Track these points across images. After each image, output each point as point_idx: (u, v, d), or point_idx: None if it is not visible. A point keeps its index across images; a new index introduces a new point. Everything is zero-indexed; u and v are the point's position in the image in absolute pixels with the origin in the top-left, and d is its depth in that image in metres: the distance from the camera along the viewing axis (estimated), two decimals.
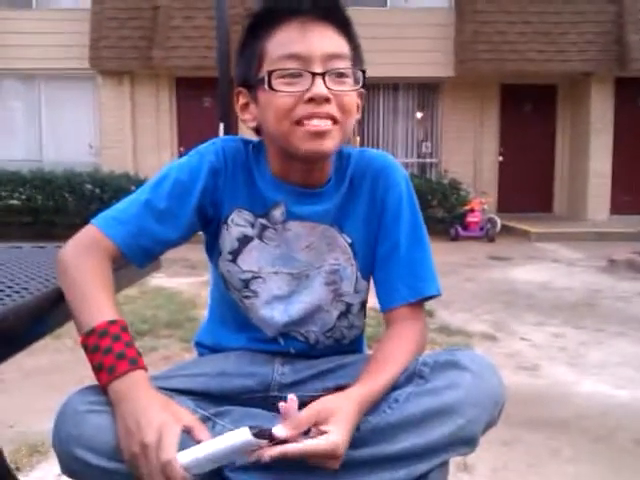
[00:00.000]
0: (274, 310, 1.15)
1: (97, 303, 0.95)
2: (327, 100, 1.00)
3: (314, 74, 1.00)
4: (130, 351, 0.91)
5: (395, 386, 0.99)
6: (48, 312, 1.00)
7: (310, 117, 1.00)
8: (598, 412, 2.75)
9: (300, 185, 1.11)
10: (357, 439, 0.92)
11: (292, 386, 1.10)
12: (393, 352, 1.04)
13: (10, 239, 8.70)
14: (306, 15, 1.01)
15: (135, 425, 0.85)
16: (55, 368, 3.23)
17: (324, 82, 1.00)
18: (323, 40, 1.01)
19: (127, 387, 0.88)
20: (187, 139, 11.18)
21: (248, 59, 1.06)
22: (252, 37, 1.05)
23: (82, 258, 1.01)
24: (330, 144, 1.03)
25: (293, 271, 1.14)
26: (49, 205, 9.45)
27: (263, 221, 1.12)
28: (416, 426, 0.93)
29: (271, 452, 0.84)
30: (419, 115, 12.09)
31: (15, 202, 9.47)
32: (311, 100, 0.99)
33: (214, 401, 1.04)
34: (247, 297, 1.15)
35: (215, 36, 6.11)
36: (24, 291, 1.01)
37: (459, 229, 9.72)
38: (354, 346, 1.24)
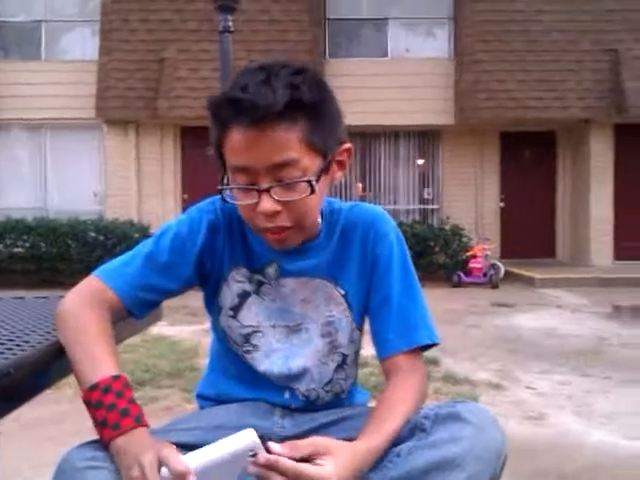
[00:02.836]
0: (274, 364, 1.16)
1: (99, 358, 0.96)
2: (277, 212, 1.01)
3: (259, 191, 0.99)
4: (134, 408, 0.92)
5: (397, 440, 0.98)
6: (50, 365, 1.00)
7: (265, 230, 1.04)
8: (609, 464, 2.69)
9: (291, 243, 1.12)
10: None
11: (292, 440, 1.09)
12: (393, 406, 1.03)
13: (14, 286, 8.71)
14: (253, 117, 0.95)
15: (133, 458, 0.85)
16: (54, 419, 3.19)
17: (271, 196, 0.99)
18: (267, 151, 0.97)
19: (130, 442, 0.89)
20: (191, 187, 11.30)
21: (216, 144, 1.05)
22: (214, 125, 1.03)
23: (83, 310, 1.03)
24: (294, 241, 1.08)
25: (290, 324, 1.16)
26: (53, 252, 9.49)
27: (259, 277, 1.15)
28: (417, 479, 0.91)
29: (264, 458, 0.84)
30: (420, 162, 12.22)
31: (20, 250, 9.51)
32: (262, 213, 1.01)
33: None
34: (248, 351, 1.17)
35: (219, 87, 6.24)
36: (25, 344, 1.00)
37: (462, 275, 9.70)
38: (350, 397, 1.24)
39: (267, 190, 0.99)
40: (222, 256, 1.15)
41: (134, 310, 1.09)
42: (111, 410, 0.90)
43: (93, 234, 9.66)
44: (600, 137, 11.24)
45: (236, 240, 1.13)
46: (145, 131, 11.53)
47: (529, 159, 12.09)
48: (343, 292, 1.15)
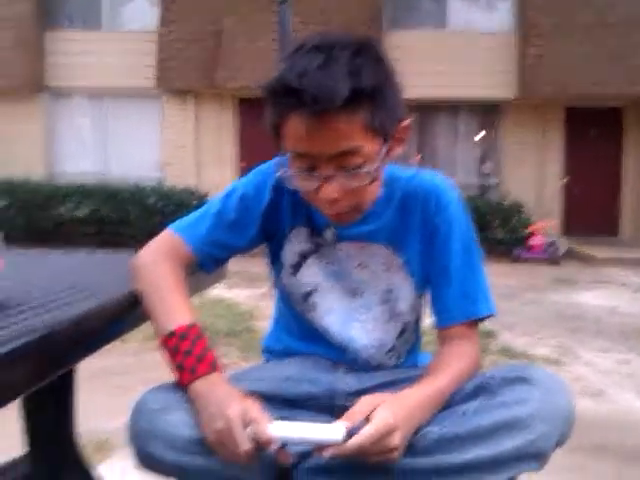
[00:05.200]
0: (333, 325, 1.18)
1: (176, 306, 1.01)
2: (338, 199, 1.00)
3: (320, 177, 0.98)
4: (209, 354, 0.97)
5: (461, 399, 0.98)
6: (122, 315, 1.04)
7: (324, 208, 1.04)
8: None
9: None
10: (421, 448, 0.93)
11: (356, 395, 1.10)
12: (446, 364, 1.05)
13: (76, 248, 8.98)
14: (314, 110, 0.91)
15: (217, 409, 0.90)
16: (121, 370, 3.34)
17: (332, 183, 0.98)
18: (328, 140, 0.94)
19: (207, 386, 0.94)
20: (248, 155, 11.37)
21: (273, 125, 1.01)
22: (272, 110, 1.00)
23: (160, 262, 1.08)
24: (353, 218, 1.07)
25: (348, 288, 1.17)
26: (114, 217, 9.74)
27: (318, 239, 1.17)
28: (484, 438, 0.91)
29: (335, 451, 0.87)
30: (479, 136, 11.94)
31: (81, 213, 9.79)
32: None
33: (280, 405, 1.06)
34: (307, 310, 1.19)
35: (277, 59, 6.23)
36: (99, 294, 1.04)
37: (522, 251, 9.53)
38: (413, 361, 1.24)
39: (329, 177, 0.97)
40: (284, 216, 1.16)
41: (205, 265, 1.14)
42: (188, 355, 0.95)
43: (152, 200, 9.86)
44: None
45: (297, 201, 1.13)
46: (203, 101, 11.62)
47: (594, 135, 11.64)
48: (403, 259, 1.14)
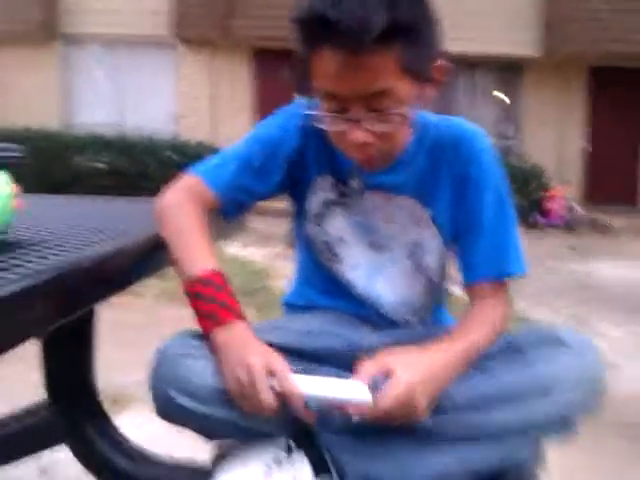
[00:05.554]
0: (358, 278, 1.14)
1: (200, 251, 0.98)
2: (368, 143, 0.95)
3: (351, 120, 0.93)
4: (232, 302, 0.94)
5: (492, 359, 0.96)
6: (144, 257, 1.02)
7: (353, 152, 0.99)
8: None
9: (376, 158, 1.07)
10: (447, 408, 0.91)
11: (378, 351, 1.08)
12: (471, 324, 1.02)
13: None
14: (348, 43, 0.86)
15: (240, 358, 0.88)
16: (134, 325, 3.33)
17: (363, 126, 0.93)
18: (360, 79, 0.89)
19: (231, 335, 0.91)
20: (264, 109, 11.23)
21: (302, 60, 0.96)
22: (301, 41, 0.94)
23: (184, 206, 1.04)
24: (383, 163, 1.03)
25: (374, 241, 1.12)
26: (131, 169, 9.70)
27: (344, 189, 1.11)
28: (511, 400, 0.90)
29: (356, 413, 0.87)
30: (500, 96, 11.67)
31: (98, 165, 9.76)
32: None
33: (300, 359, 1.03)
34: (332, 261, 1.15)
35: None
36: (121, 236, 1.03)
37: (538, 217, 9.41)
38: (437, 320, 1.21)
39: (359, 120, 0.92)
40: (310, 162, 1.11)
41: (227, 210, 1.10)
42: (211, 302, 0.93)
43: (168, 153, 9.80)
44: None
45: (323, 147, 1.08)
46: (219, 51, 11.44)
47: (620, 98, 11.29)
48: (432, 213, 1.09)
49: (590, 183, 11.33)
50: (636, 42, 10.05)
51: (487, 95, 11.69)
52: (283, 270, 4.75)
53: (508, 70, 11.50)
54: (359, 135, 0.93)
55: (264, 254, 5.82)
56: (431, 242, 1.11)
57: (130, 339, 3.02)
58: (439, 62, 0.98)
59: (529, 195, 9.65)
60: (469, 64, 11.31)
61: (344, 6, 0.85)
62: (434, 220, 1.10)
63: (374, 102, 0.91)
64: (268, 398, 0.85)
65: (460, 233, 1.10)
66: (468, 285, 1.09)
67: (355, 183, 1.10)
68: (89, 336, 1.44)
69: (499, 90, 11.64)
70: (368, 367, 0.89)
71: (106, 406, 2.09)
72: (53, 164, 9.69)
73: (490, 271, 1.06)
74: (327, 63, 0.89)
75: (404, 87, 0.92)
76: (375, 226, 1.11)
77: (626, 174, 11.46)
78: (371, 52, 0.86)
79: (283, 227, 6.10)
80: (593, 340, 0.97)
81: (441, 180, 1.08)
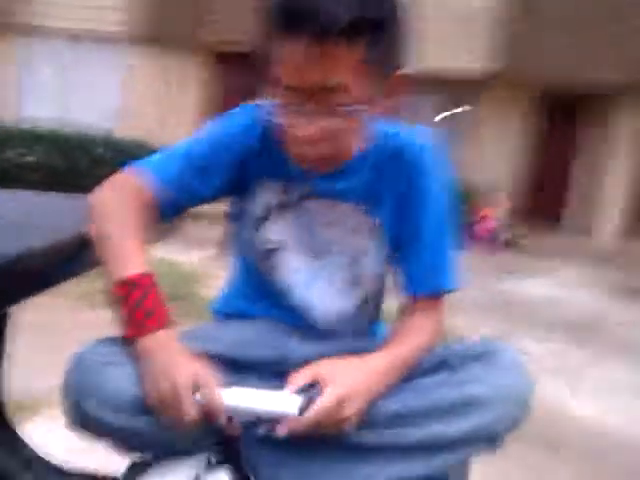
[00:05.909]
0: (293, 285, 1.12)
1: (131, 253, 0.93)
2: (318, 139, 0.93)
3: (303, 113, 0.92)
4: (160, 308, 0.90)
5: (421, 373, 0.97)
6: (72, 256, 0.98)
7: (300, 154, 0.97)
8: (590, 433, 2.70)
9: (324, 163, 1.05)
10: (377, 422, 0.91)
11: (310, 362, 1.07)
12: (405, 335, 1.02)
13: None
14: (312, 32, 0.85)
15: (165, 368, 0.84)
16: (52, 327, 3.19)
17: (314, 121, 0.91)
18: (318, 72, 0.88)
19: (156, 343, 0.87)
20: (211, 113, 11.12)
21: (264, 51, 0.95)
22: (264, 30, 0.93)
23: (121, 202, 0.98)
24: (328, 167, 1.01)
25: (314, 248, 1.10)
26: (62, 165, 9.40)
27: (288, 193, 1.09)
28: (440, 416, 0.90)
29: (288, 428, 0.85)
30: (451, 111, 11.91)
31: (27, 159, 9.43)
32: None
33: (229, 368, 1.01)
34: (268, 268, 1.12)
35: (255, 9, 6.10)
36: (44, 234, 0.98)
37: (469, 234, 9.63)
38: (373, 332, 1.21)
39: (312, 114, 0.91)
40: (257, 164, 1.08)
41: (166, 209, 1.04)
42: (138, 307, 0.88)
43: (100, 150, 9.55)
44: (627, 110, 10.91)
45: (270, 150, 1.07)
46: (173, 52, 11.24)
47: (556, 123, 11.71)
48: (376, 222, 1.08)
49: (518, 203, 11.71)
50: (578, 73, 10.43)
51: (441, 109, 11.92)
52: (214, 276, 4.69)
53: (456, 88, 11.75)
54: (309, 129, 0.92)
55: (195, 258, 5.73)
56: (373, 253, 1.10)
57: (46, 342, 2.88)
58: (401, 73, 0.97)
59: (463, 213, 9.88)
60: (424, 82, 11.49)
61: None
62: (378, 230, 1.09)
63: (330, 98, 0.90)
64: (190, 411, 0.82)
65: (400, 244, 1.09)
66: (404, 297, 1.09)
67: (300, 188, 1.08)
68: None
69: (449, 108, 11.89)
70: (298, 377, 0.88)
71: (13, 412, 2.01)
72: None
73: (427, 285, 1.07)
74: (286, 52, 0.88)
75: (362, 87, 0.91)
76: (316, 232, 1.10)
77: (555, 196, 11.90)
78: (335, 44, 0.85)
79: (216, 231, 6.01)
80: (520, 355, 0.99)
81: (386, 190, 1.07)
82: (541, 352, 4.01)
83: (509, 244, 9.68)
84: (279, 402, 0.85)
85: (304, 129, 0.92)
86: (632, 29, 10.10)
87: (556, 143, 11.85)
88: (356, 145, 1.04)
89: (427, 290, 1.07)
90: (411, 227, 1.07)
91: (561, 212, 12.07)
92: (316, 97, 0.90)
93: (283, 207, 1.10)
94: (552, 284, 6.95)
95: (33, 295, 0.87)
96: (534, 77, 10.68)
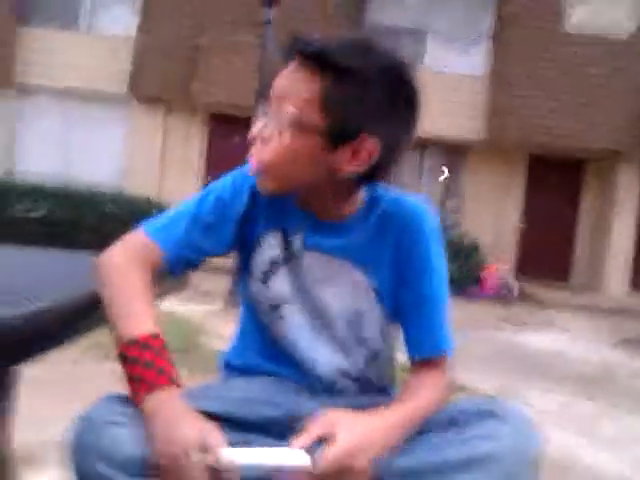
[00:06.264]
0: (298, 342, 1.13)
1: (141, 314, 0.95)
2: (257, 138, 1.01)
3: (263, 117, 1.02)
4: (170, 368, 0.91)
5: (429, 430, 0.97)
6: (81, 316, 0.99)
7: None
8: None
9: (319, 215, 1.10)
10: (387, 478, 0.90)
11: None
12: (411, 394, 1.03)
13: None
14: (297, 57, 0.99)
15: (173, 430, 0.84)
16: (56, 379, 3.19)
17: (261, 122, 1.01)
18: (285, 81, 0.99)
19: (163, 404, 0.87)
20: (214, 170, 11.31)
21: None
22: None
23: (130, 265, 1.01)
24: (262, 185, 1.05)
25: (313, 305, 1.12)
26: (68, 220, 9.50)
27: (289, 247, 1.12)
28: (450, 472, 0.90)
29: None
30: (445, 175, 12.12)
31: (35, 214, 9.54)
32: None
33: (237, 428, 1.00)
34: (274, 323, 1.14)
35: (255, 77, 6.32)
36: (50, 295, 0.98)
37: (475, 290, 9.65)
38: (383, 389, 1.21)
39: (266, 117, 1.00)
40: (259, 218, 1.12)
41: (174, 267, 1.08)
42: (148, 367, 0.89)
43: (109, 207, 9.68)
44: (628, 170, 11.17)
45: (274, 205, 1.11)
46: (174, 112, 11.57)
47: (555, 184, 11.99)
48: (373, 283, 1.10)
49: (525, 260, 11.78)
50: (568, 137, 10.71)
51: (433, 174, 12.12)
52: (220, 328, 4.68)
53: (454, 152, 11.98)
54: (256, 127, 1.01)
55: (202, 311, 5.72)
56: (371, 313, 1.12)
57: (53, 394, 2.85)
58: (369, 139, 0.98)
59: (467, 269, 9.91)
60: (418, 144, 11.71)
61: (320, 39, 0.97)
62: (376, 291, 1.10)
63: (282, 108, 0.97)
64: (197, 472, 0.81)
65: (401, 308, 1.11)
66: (410, 358, 1.11)
67: (298, 241, 1.10)
68: (6, 398, 1.30)
69: (445, 170, 12.10)
70: (308, 430, 0.88)
71: (22, 467, 1.98)
72: None
73: (429, 348, 1.09)
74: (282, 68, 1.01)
75: (312, 115, 0.96)
76: (313, 289, 1.11)
77: (560, 253, 11.98)
78: (305, 66, 0.96)
79: (223, 284, 6.01)
80: (525, 411, 1.00)
81: (385, 253, 1.09)
82: (549, 403, 3.96)
83: (517, 298, 9.66)
84: (290, 456, 0.84)
85: (255, 127, 1.01)
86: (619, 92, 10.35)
87: (560, 201, 12.00)
88: (353, 204, 1.09)
89: (430, 352, 1.09)
90: (411, 293, 1.10)
91: (569, 268, 12.09)
92: (274, 105, 0.99)
93: (285, 260, 1.12)
94: (561, 337, 6.90)
95: (43, 353, 0.87)
96: (532, 139, 10.89)
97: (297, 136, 0.97)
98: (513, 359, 5.34)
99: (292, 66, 0.98)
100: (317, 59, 0.95)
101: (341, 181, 1.02)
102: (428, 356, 1.09)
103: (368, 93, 0.96)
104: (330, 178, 1.01)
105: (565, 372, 5.01)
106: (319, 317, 1.12)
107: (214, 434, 0.85)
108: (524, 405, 3.84)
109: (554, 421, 3.57)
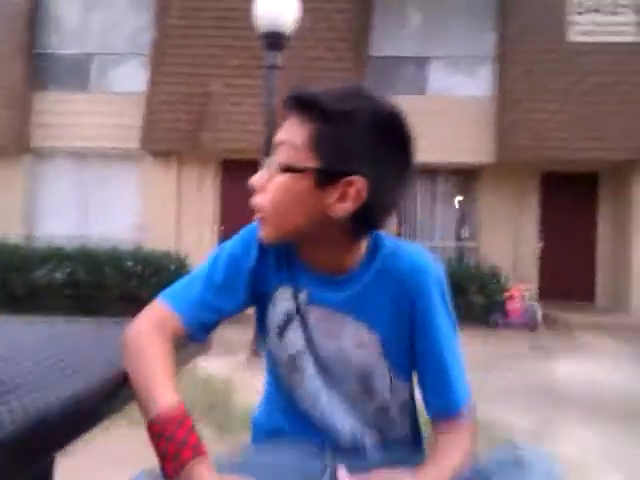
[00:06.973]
0: (314, 402, 1.14)
1: (160, 388, 0.96)
2: (256, 188, 1.06)
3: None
4: (192, 437, 0.92)
5: None
6: (113, 394, 0.99)
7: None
8: None
9: (323, 270, 1.11)
10: None
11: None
12: (440, 454, 1.04)
13: (52, 313, 8.78)
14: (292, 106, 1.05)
15: None
16: (85, 444, 3.17)
17: (262, 170, 1.07)
18: (282, 129, 1.05)
19: (192, 476, 0.88)
20: (229, 219, 11.40)
21: None
22: None
23: (148, 338, 1.03)
24: (263, 233, 1.07)
25: (321, 360, 1.13)
26: (90, 281, 9.59)
27: (297, 302, 1.13)
28: None
29: None
30: (458, 200, 12.13)
31: (57, 278, 9.63)
32: None
33: None
34: (291, 379, 1.16)
35: (263, 121, 6.38)
36: (89, 371, 1.01)
37: (499, 317, 9.54)
38: (410, 441, 1.21)
39: (266, 165, 1.06)
40: (271, 274, 1.14)
41: (195, 333, 1.10)
42: (170, 441, 0.90)
43: (130, 264, 9.76)
44: None
45: (283, 259, 1.13)
46: (187, 163, 11.72)
47: (570, 200, 11.86)
48: (377, 337, 1.10)
49: (546, 282, 11.61)
50: (581, 149, 10.63)
51: (446, 200, 12.15)
52: (246, 382, 4.64)
53: (466, 176, 12.01)
54: (256, 176, 1.06)
55: (226, 364, 5.67)
56: (378, 366, 1.12)
57: (83, 461, 2.87)
58: (357, 178, 0.99)
59: (488, 296, 9.81)
60: (430, 171, 11.76)
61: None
62: (381, 344, 1.11)
63: (279, 154, 1.03)
64: None
65: (414, 365, 1.12)
66: (430, 418, 1.11)
67: (304, 295, 1.12)
68: None
69: (458, 195, 12.12)
70: None
71: None
72: (13, 277, 9.53)
73: (445, 408, 1.09)
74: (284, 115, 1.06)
75: (305, 159, 1.00)
76: (320, 343, 1.12)
77: (582, 272, 11.79)
78: (298, 113, 1.02)
79: (246, 333, 5.95)
80: (553, 453, 1.00)
81: (386, 307, 1.10)
82: (589, 435, 3.87)
83: (542, 322, 9.52)
84: None
85: (254, 177, 1.06)
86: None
87: (576, 216, 11.90)
88: (356, 257, 1.10)
89: (445, 412, 1.09)
90: (419, 350, 1.10)
91: (593, 287, 11.92)
92: (273, 154, 1.05)
93: (296, 315, 1.13)
94: (589, 363, 6.74)
95: (80, 437, 0.87)
96: (545, 154, 10.86)
97: (289, 179, 1.01)
98: (546, 390, 5.24)
99: (290, 116, 1.04)
100: (307, 105, 1.01)
101: (337, 226, 1.03)
102: (447, 416, 1.09)
103: (354, 134, 0.99)
104: (324, 221, 1.02)
105: (598, 399, 4.89)
106: (329, 371, 1.13)
107: None
108: (563, 438, 3.75)
109: (596, 453, 3.48)
